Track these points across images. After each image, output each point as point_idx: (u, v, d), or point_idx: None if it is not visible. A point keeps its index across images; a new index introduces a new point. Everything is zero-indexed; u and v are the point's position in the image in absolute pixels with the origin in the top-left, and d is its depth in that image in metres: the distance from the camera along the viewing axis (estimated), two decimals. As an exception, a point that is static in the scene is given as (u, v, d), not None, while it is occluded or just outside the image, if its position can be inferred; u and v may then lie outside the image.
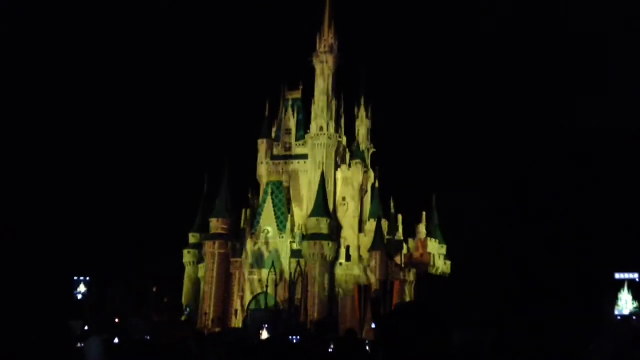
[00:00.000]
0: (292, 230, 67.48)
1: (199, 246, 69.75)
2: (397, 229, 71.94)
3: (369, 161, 75.68)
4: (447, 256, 75.14)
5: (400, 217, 72.95)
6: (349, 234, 69.34)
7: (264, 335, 50.31)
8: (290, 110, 74.81)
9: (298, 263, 64.40)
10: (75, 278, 54.49)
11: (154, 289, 69.03)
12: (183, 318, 63.28)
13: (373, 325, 56.65)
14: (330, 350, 9.07)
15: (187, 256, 71.55)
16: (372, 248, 65.94)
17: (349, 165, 72.11)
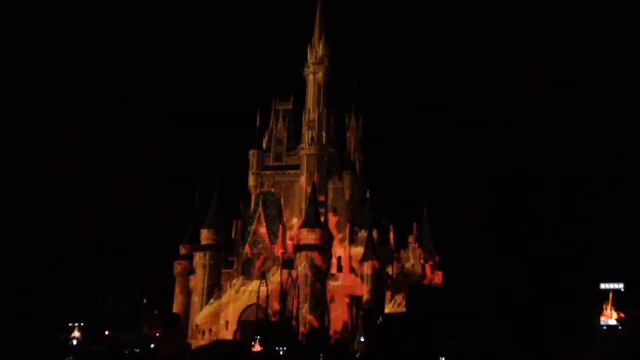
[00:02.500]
0: (284, 241, 67.32)
1: (189, 257, 69.37)
2: (388, 240, 71.99)
3: (360, 171, 75.89)
4: (438, 267, 75.30)
5: (391, 227, 73.04)
6: (340, 245, 69.31)
7: (256, 347, 50.14)
8: (281, 121, 74.93)
9: (289, 274, 64.23)
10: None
11: (145, 301, 68.66)
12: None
13: (362, 339, 56.50)
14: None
15: (178, 268, 71.08)
16: (364, 259, 65.89)
17: (340, 176, 72.18)
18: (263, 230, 67.91)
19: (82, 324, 58.09)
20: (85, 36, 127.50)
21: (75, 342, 55.29)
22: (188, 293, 69.39)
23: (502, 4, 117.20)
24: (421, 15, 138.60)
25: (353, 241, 69.58)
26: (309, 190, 67.24)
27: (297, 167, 71.67)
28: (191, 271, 68.95)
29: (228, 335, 63.56)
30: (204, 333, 63.07)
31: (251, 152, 73.32)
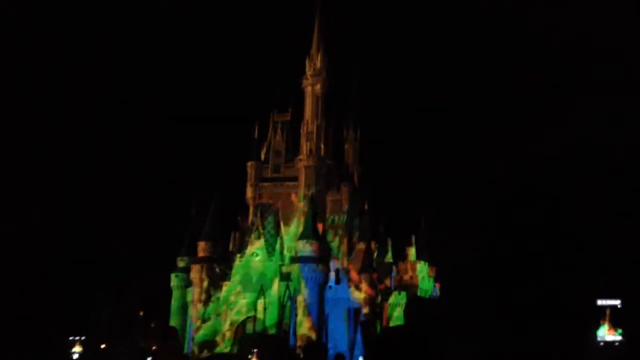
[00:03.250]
0: (281, 253, 67.06)
1: (186, 269, 69.07)
2: (386, 252, 71.80)
3: (358, 183, 75.83)
4: (437, 279, 75.03)
5: (389, 239, 72.87)
6: (338, 257, 69.08)
7: (253, 360, 49.77)
8: (279, 132, 74.95)
9: (287, 286, 63.93)
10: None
11: (141, 313, 68.29)
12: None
13: (361, 354, 56.19)
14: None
15: (175, 280, 70.80)
16: (362, 271, 65.68)
17: (338, 187, 72.11)
18: (261, 242, 67.61)
19: (82, 338, 57.82)
20: (85, 36, 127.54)
21: (76, 357, 55.07)
22: (185, 305, 69.05)
23: (502, 4, 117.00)
24: (420, 22, 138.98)
25: (351, 253, 69.41)
26: (307, 201, 67.11)
27: (295, 178, 71.55)
28: (188, 283, 68.66)
29: (225, 348, 63.15)
30: (200, 346, 62.64)
31: (249, 164, 73.23)
